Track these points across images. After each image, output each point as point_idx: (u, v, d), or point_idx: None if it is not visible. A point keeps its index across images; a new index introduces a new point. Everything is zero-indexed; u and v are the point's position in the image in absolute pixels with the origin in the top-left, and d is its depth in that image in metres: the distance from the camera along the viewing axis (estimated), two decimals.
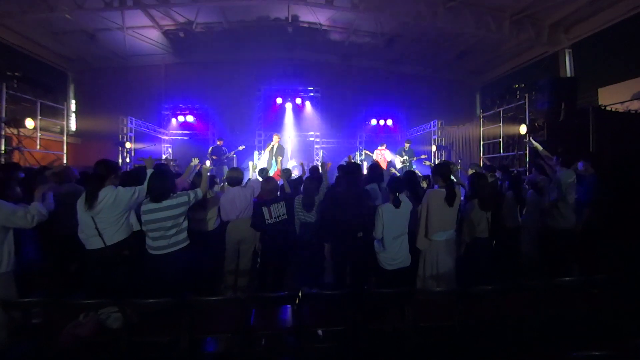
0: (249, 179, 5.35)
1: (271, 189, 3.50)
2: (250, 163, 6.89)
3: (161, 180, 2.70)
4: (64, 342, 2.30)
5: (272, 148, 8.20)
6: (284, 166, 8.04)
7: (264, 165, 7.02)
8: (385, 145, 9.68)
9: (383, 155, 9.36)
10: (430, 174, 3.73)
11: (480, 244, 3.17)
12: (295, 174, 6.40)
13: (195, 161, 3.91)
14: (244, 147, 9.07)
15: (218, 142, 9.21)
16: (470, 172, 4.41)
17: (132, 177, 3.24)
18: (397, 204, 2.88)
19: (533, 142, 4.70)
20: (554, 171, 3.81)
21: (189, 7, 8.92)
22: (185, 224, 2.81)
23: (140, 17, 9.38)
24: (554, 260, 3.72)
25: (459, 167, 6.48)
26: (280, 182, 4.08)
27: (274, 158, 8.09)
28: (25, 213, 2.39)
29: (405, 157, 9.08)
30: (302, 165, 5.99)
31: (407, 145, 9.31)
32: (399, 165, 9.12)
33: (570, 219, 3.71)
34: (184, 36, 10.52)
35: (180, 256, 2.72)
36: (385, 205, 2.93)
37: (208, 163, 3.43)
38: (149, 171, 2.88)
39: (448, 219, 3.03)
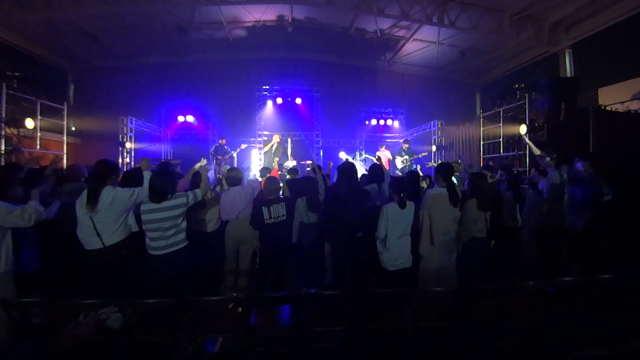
0: (249, 179, 5.31)
1: (274, 188, 3.50)
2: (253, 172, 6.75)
3: (162, 180, 2.70)
4: (64, 342, 2.30)
5: (272, 147, 8.18)
6: (283, 166, 8.03)
7: (266, 165, 7.01)
8: (384, 146, 9.68)
9: (386, 155, 9.38)
10: (433, 173, 3.74)
11: (479, 244, 3.17)
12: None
13: (204, 162, 3.49)
14: (246, 145, 9.00)
15: (221, 141, 9.05)
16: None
17: (132, 177, 3.24)
18: (402, 204, 2.87)
19: (527, 140, 4.73)
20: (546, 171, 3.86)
21: (189, 7, 8.92)
22: (184, 224, 2.81)
23: (141, 17, 9.38)
24: (550, 259, 3.74)
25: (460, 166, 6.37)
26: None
27: (273, 157, 8.07)
28: (22, 212, 2.40)
29: (406, 157, 9.09)
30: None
31: (405, 145, 9.33)
32: (399, 165, 9.12)
33: (562, 218, 3.75)
34: (184, 36, 10.52)
35: (179, 257, 2.72)
36: (390, 205, 2.92)
37: (204, 161, 3.35)
38: (146, 174, 2.86)
39: (451, 220, 3.03)
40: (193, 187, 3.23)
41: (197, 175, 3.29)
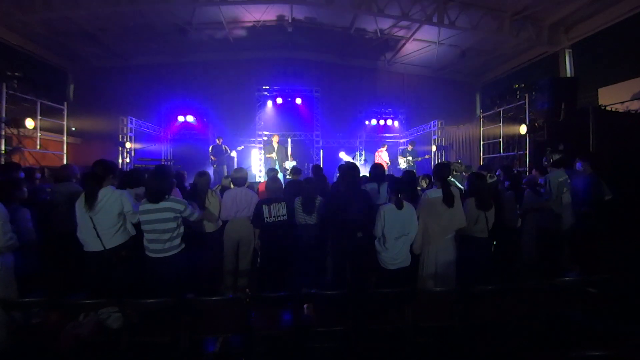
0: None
1: (275, 188, 3.51)
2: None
3: (159, 180, 2.70)
4: (64, 342, 2.29)
5: (273, 148, 8.20)
6: (284, 167, 8.04)
7: (272, 166, 7.03)
8: (386, 146, 9.68)
9: (381, 156, 9.38)
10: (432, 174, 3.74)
11: (479, 244, 3.17)
12: None
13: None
14: (242, 147, 9.03)
15: (217, 141, 9.07)
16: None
17: (132, 177, 3.24)
18: (399, 205, 2.87)
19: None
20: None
21: (189, 7, 8.92)
22: (181, 230, 2.80)
23: (141, 17, 9.38)
24: (549, 260, 3.73)
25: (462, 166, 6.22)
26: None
27: (277, 157, 8.08)
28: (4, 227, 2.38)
29: (409, 158, 9.12)
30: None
31: (410, 147, 9.36)
32: (402, 165, 9.15)
33: (563, 220, 3.73)
34: (184, 36, 10.52)
35: (176, 260, 2.72)
36: (387, 206, 2.92)
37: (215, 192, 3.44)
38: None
39: (449, 221, 3.02)
40: (193, 189, 3.24)
41: (200, 176, 3.43)
